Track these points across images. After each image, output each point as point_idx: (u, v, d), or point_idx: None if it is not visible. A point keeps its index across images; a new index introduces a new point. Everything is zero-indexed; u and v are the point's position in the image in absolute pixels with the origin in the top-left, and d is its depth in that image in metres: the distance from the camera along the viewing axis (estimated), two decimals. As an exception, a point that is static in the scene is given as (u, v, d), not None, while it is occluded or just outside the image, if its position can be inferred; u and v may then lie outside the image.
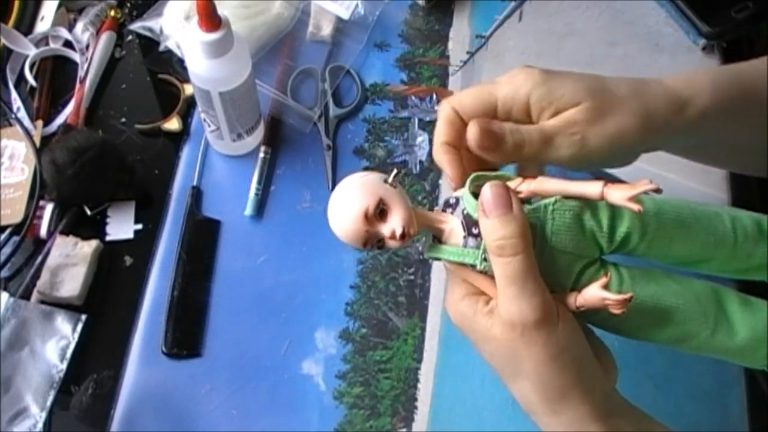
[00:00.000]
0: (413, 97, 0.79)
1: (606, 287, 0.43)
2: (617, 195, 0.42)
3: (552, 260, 0.44)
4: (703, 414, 0.63)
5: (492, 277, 0.44)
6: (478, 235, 0.44)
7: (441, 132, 0.49)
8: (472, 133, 0.45)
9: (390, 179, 0.44)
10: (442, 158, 0.48)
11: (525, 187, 0.45)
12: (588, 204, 0.45)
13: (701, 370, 0.64)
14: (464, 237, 0.44)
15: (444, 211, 0.46)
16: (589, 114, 0.46)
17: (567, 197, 0.44)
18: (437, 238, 0.46)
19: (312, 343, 0.67)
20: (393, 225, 0.43)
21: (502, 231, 0.42)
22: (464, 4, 0.85)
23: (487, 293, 0.45)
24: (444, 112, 0.48)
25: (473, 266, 0.44)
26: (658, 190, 0.41)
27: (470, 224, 0.44)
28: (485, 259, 0.43)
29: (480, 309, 0.45)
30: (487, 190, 0.43)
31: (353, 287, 0.69)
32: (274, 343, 0.67)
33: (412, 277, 0.69)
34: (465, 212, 0.45)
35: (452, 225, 0.45)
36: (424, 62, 0.81)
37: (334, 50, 0.81)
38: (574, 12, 0.83)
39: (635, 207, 0.41)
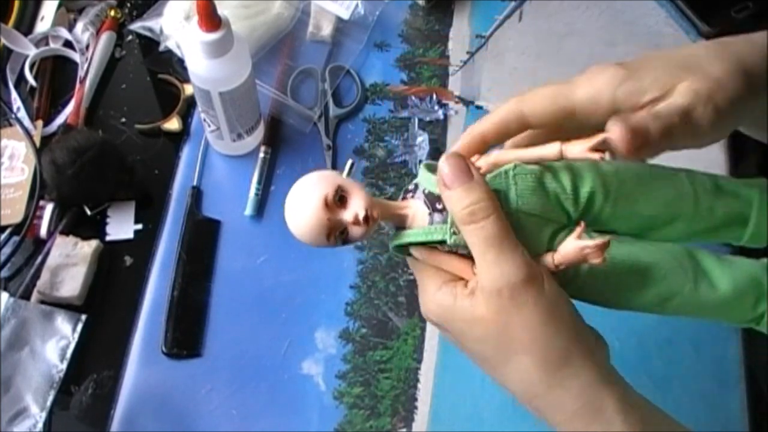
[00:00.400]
0: (413, 97, 0.79)
1: (581, 237, 0.41)
2: (577, 148, 0.41)
3: (521, 224, 0.43)
4: (703, 414, 0.63)
5: (464, 256, 0.43)
6: (443, 210, 0.43)
7: (488, 125, 0.45)
8: (618, 135, 0.39)
9: (345, 173, 0.43)
10: (464, 142, 0.45)
11: (483, 161, 0.44)
12: (548, 167, 0.44)
13: (701, 370, 0.64)
14: (429, 214, 0.43)
15: (404, 199, 0.45)
16: (704, 83, 0.42)
17: (526, 163, 0.43)
18: (401, 228, 0.45)
19: (312, 343, 0.67)
20: (355, 209, 0.41)
21: (468, 198, 0.41)
22: (464, 4, 0.85)
23: (464, 276, 0.43)
24: (508, 110, 0.45)
25: (443, 243, 0.43)
26: (610, 147, 0.41)
27: (433, 201, 0.43)
28: (455, 233, 0.42)
29: (460, 293, 0.42)
30: (444, 163, 0.42)
31: (353, 287, 0.69)
32: (274, 343, 0.67)
33: (412, 277, 0.69)
34: (426, 191, 0.44)
35: (414, 207, 0.44)
36: (424, 62, 0.81)
37: (334, 50, 0.81)
38: (574, 12, 0.83)
39: (597, 155, 0.40)
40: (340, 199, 0.42)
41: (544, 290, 0.41)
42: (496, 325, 0.41)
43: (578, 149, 0.41)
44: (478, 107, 0.78)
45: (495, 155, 0.44)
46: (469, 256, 0.43)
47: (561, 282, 0.43)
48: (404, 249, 0.45)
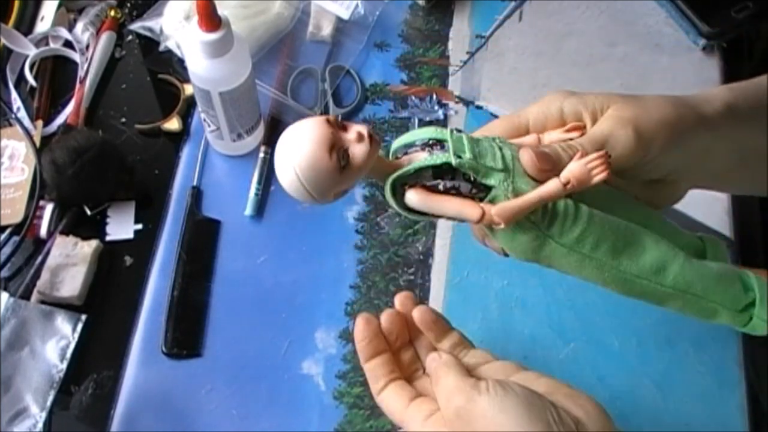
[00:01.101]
0: (413, 97, 0.79)
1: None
2: (553, 134, 0.47)
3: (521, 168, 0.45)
4: (703, 414, 0.63)
5: (465, 196, 0.43)
6: (442, 148, 0.43)
7: None
8: (527, 158, 0.44)
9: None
10: None
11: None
12: None
13: (701, 370, 0.64)
14: (429, 152, 0.43)
15: (397, 158, 0.45)
16: (628, 108, 0.47)
17: None
18: None
19: (312, 343, 0.67)
20: (357, 129, 0.41)
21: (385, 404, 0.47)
22: (464, 4, 0.85)
23: (469, 214, 0.43)
24: None
25: (446, 165, 0.43)
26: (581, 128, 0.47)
27: (431, 145, 0.44)
28: (459, 156, 0.42)
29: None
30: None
31: (353, 287, 0.69)
32: (274, 343, 0.67)
33: (412, 277, 0.69)
34: (420, 143, 0.44)
35: (410, 157, 0.44)
36: (424, 62, 0.81)
37: (334, 50, 0.81)
38: (574, 12, 0.83)
39: (574, 134, 0.46)
40: (341, 126, 0.42)
41: (497, 389, 0.41)
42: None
43: (554, 134, 0.47)
44: (478, 107, 0.78)
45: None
46: (468, 195, 0.43)
47: (562, 243, 0.44)
48: (400, 200, 0.45)
